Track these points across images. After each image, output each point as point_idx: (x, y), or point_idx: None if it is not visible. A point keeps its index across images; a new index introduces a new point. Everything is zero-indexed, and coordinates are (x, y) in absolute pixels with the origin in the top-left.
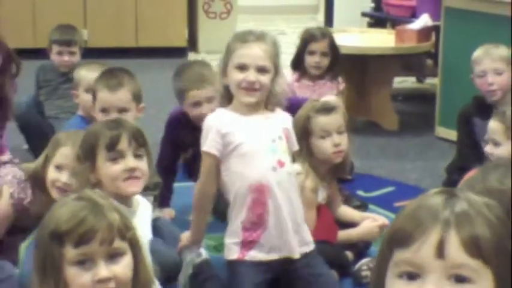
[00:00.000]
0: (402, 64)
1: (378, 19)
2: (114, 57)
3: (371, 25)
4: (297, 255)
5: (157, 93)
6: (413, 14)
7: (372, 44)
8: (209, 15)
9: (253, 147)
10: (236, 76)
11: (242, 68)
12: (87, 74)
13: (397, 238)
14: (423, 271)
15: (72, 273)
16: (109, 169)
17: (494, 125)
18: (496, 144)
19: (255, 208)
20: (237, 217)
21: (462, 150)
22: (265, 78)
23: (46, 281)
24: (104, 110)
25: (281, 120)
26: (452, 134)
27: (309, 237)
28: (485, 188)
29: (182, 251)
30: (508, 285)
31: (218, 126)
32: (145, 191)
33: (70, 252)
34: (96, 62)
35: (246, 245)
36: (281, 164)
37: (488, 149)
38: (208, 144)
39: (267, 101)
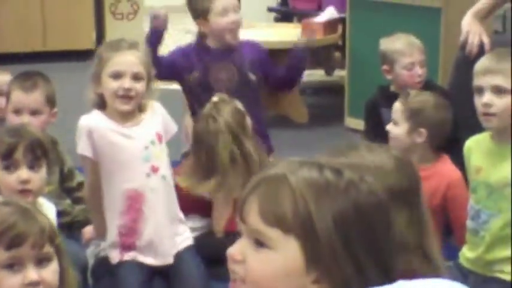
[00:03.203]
0: (310, 57)
1: (284, 13)
2: (22, 62)
3: (278, 20)
4: (170, 260)
5: (65, 98)
6: (319, 7)
7: (279, 39)
8: (116, 16)
9: (126, 157)
10: (111, 84)
11: (117, 76)
12: None
13: None
14: None
15: (1, 276)
16: (3, 178)
17: (396, 105)
18: (396, 123)
19: (129, 214)
20: (113, 221)
21: (370, 139)
22: (140, 86)
23: None
24: (17, 111)
25: (155, 122)
26: (360, 124)
27: (187, 233)
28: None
29: (87, 246)
30: (323, 257)
31: (90, 130)
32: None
33: (0, 255)
34: None
35: (125, 248)
36: (155, 169)
37: (388, 127)
38: (82, 147)
39: (140, 105)
